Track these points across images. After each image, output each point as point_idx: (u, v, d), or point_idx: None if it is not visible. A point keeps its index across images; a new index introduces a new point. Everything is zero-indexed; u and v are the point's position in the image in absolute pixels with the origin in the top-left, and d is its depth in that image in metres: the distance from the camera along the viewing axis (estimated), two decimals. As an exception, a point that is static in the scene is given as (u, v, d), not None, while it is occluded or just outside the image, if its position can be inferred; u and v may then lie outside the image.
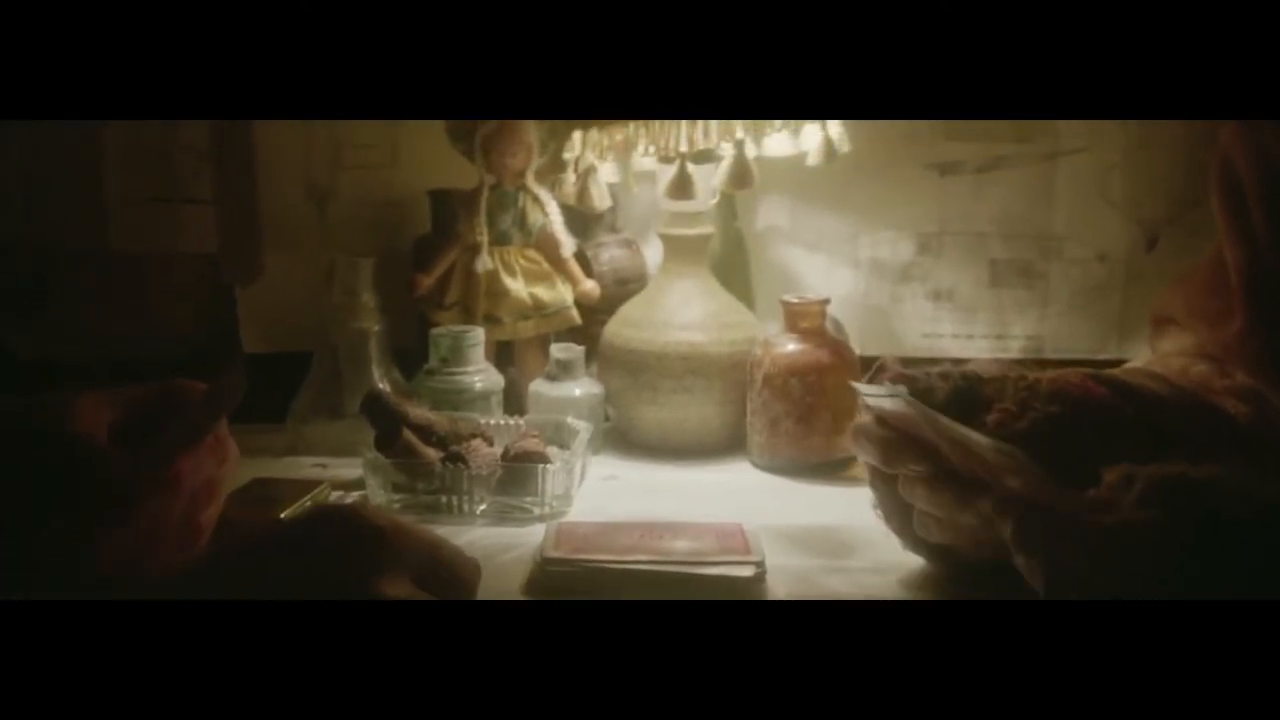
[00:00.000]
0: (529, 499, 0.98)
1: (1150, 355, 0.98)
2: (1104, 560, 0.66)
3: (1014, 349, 1.31)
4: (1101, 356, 1.28)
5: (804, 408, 1.06)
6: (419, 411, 1.01)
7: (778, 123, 1.04)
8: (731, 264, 1.27)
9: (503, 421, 1.08)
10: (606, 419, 1.16)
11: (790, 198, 1.31)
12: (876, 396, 0.79)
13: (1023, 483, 0.71)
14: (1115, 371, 0.85)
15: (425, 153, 1.27)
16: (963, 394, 0.79)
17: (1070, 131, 1.28)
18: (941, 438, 0.75)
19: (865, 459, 0.84)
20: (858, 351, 1.14)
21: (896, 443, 0.80)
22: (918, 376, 0.81)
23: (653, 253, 1.24)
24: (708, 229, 1.15)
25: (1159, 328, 0.98)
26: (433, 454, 0.99)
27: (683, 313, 1.13)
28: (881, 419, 0.81)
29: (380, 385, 1.11)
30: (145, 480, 0.68)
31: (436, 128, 1.16)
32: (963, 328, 1.31)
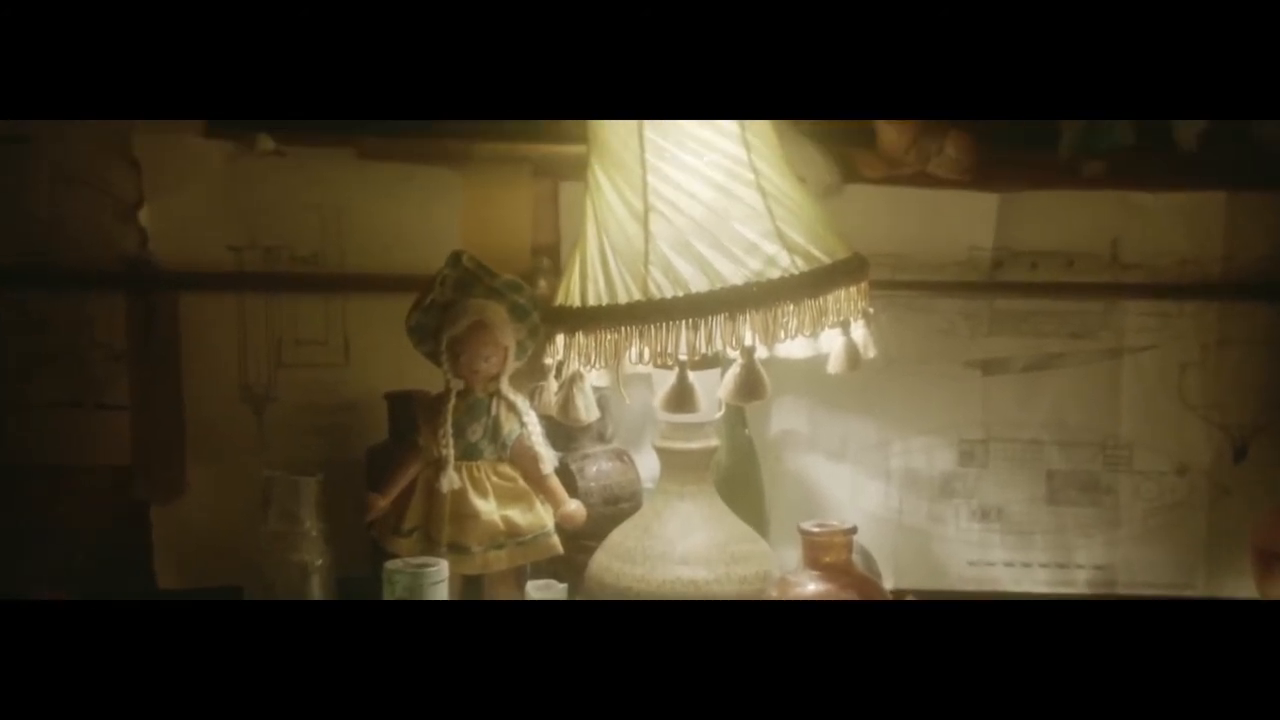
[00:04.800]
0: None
1: (1256, 596, 0.96)
2: None
3: (1080, 581, 1.25)
4: (1188, 594, 1.22)
5: (831, 663, 1.01)
6: (365, 670, 0.96)
7: (792, 326, 1.01)
8: (740, 478, 1.22)
9: (466, 680, 1.02)
10: (593, 673, 1.10)
11: (809, 399, 1.27)
12: None
13: None
14: None
15: (381, 350, 1.24)
16: None
17: (1135, 327, 1.25)
18: None
19: None
20: (890, 584, 1.09)
21: None
22: None
23: (648, 465, 1.18)
24: (712, 441, 1.10)
25: (1265, 565, 0.95)
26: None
27: (683, 542, 1.07)
28: None
29: (320, 633, 1.05)
30: None
31: (395, 323, 1.12)
32: (1017, 554, 1.26)
